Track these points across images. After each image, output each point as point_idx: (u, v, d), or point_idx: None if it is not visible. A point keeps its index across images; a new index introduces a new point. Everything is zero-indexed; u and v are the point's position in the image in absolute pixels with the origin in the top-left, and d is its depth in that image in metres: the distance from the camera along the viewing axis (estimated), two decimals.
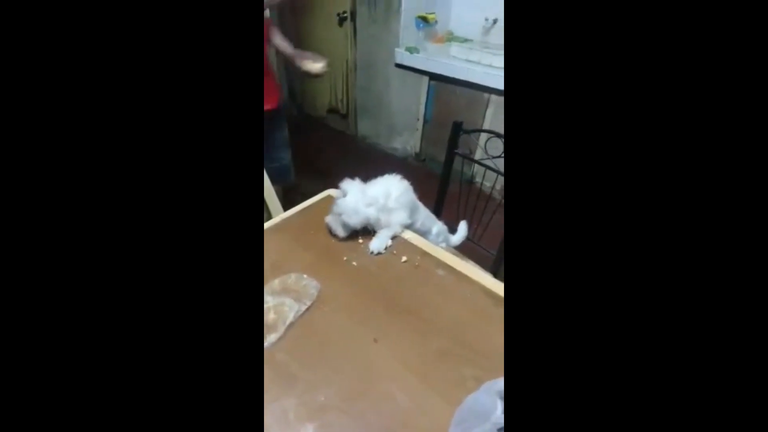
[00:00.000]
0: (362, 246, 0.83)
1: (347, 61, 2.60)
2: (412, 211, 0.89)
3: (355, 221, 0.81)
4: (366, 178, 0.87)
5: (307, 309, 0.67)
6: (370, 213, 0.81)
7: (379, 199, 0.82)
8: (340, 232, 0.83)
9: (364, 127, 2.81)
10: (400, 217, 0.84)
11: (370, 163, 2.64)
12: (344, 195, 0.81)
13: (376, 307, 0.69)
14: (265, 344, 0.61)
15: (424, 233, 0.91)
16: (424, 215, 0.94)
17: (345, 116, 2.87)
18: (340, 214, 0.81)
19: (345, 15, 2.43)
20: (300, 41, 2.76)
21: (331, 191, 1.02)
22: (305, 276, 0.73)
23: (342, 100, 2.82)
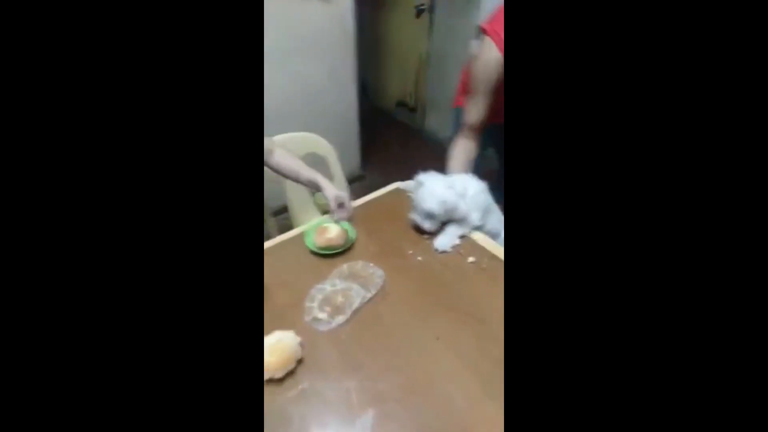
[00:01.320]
0: (428, 242, 0.82)
1: (421, 55, 2.58)
2: (485, 213, 0.86)
3: (431, 204, 0.78)
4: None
5: (372, 297, 0.69)
6: (448, 196, 0.78)
7: (457, 185, 0.80)
8: (427, 226, 0.81)
9: (432, 122, 2.77)
10: (473, 217, 0.82)
11: (436, 159, 2.60)
12: (420, 185, 0.81)
13: (439, 305, 0.68)
14: (332, 324, 0.64)
15: (494, 236, 0.87)
16: (497, 218, 0.90)
17: (413, 110, 2.86)
18: (419, 204, 0.80)
19: (423, 7, 2.41)
20: (375, 33, 2.80)
21: (398, 184, 1.03)
22: (371, 264, 0.75)
23: (411, 94, 2.81)
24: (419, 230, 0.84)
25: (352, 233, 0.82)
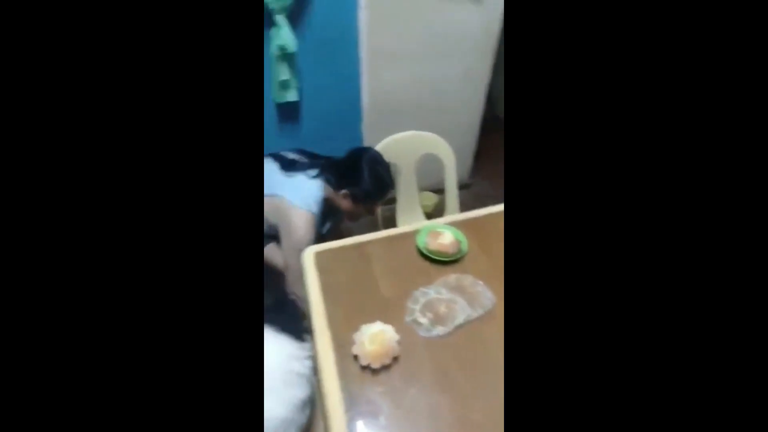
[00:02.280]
0: None
1: None
2: None
3: None
4: None
5: (478, 318, 0.65)
6: None
7: None
8: None
9: None
10: None
11: None
12: None
13: None
14: (432, 333, 0.63)
15: None
16: None
17: None
18: None
19: None
20: None
21: None
22: (481, 283, 0.71)
23: None
24: None
25: (465, 245, 0.79)
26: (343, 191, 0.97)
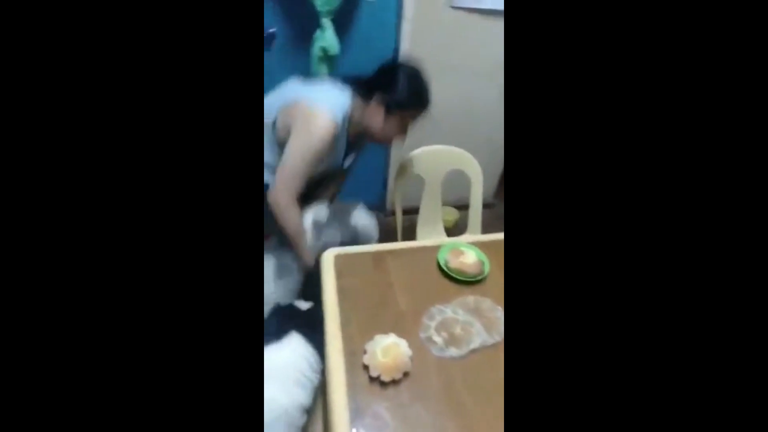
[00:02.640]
0: None
1: None
2: None
3: None
4: None
5: (494, 344, 0.64)
6: None
7: None
8: None
9: None
10: None
11: None
12: None
13: None
14: (445, 353, 0.62)
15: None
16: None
17: None
18: None
19: None
20: None
21: None
22: (500, 309, 0.69)
23: None
24: None
25: (487, 267, 0.77)
26: (375, 100, 0.83)
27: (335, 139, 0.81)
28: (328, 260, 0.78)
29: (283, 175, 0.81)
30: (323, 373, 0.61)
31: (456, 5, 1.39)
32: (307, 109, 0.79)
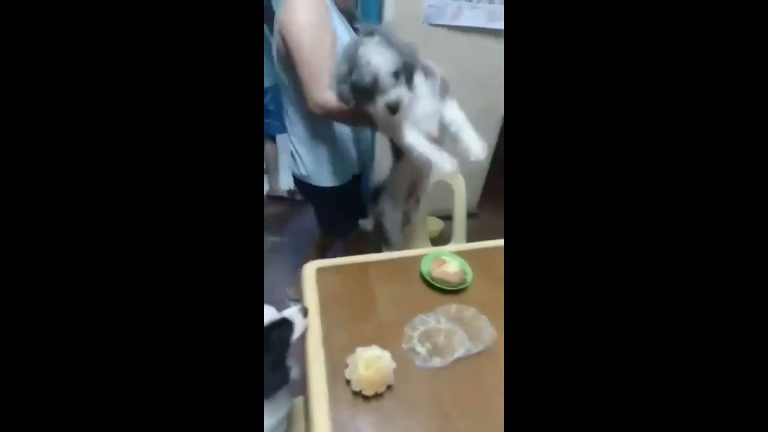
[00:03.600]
0: None
1: None
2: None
3: None
4: None
5: (478, 353, 0.63)
6: None
7: None
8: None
9: None
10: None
11: None
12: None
13: None
14: (428, 364, 0.61)
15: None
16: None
17: None
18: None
19: None
20: None
21: None
22: (483, 317, 0.69)
23: None
24: None
25: (470, 276, 0.78)
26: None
27: (326, 9, 0.76)
28: (310, 274, 0.77)
29: (304, 78, 0.76)
30: (304, 390, 0.59)
31: (433, 23, 1.43)
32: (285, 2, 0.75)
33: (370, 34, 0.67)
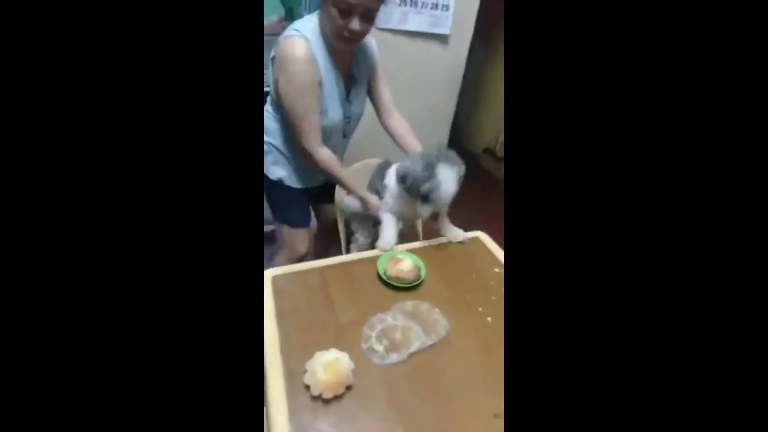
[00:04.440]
0: (501, 303, 0.77)
1: None
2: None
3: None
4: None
5: (432, 345, 0.66)
6: None
7: None
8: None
9: None
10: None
11: None
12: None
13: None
14: (386, 361, 0.63)
15: None
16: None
17: (499, 160, 2.81)
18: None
19: None
20: (479, 78, 2.84)
21: (478, 234, 1.00)
22: (437, 311, 0.72)
23: (501, 144, 2.77)
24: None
25: (424, 272, 0.81)
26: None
27: (312, 57, 0.81)
28: (266, 282, 0.76)
29: (291, 123, 0.84)
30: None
31: (381, 27, 1.47)
32: (279, 44, 0.81)
33: (447, 158, 0.85)
